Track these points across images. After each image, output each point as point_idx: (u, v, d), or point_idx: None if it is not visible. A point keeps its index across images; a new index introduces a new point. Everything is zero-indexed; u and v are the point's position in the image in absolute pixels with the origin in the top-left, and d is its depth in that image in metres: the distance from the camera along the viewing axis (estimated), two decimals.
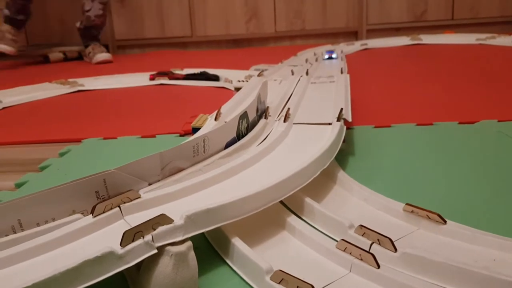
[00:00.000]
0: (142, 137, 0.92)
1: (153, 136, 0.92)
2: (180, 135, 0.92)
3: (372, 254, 0.40)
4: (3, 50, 2.01)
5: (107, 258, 0.36)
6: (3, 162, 0.84)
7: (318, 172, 0.56)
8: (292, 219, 0.49)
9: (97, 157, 0.82)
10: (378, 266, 0.40)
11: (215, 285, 0.42)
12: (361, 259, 0.41)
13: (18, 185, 0.71)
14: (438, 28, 2.56)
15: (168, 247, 0.38)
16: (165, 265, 0.38)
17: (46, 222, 0.46)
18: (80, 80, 1.59)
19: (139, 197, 0.46)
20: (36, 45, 2.73)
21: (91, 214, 0.44)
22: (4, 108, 1.30)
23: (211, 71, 1.64)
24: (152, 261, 0.38)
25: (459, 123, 0.87)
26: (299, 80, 1.02)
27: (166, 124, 1.00)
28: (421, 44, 2.15)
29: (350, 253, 0.42)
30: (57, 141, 0.93)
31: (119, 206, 0.45)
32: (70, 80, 1.58)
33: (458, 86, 1.22)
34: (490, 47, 1.94)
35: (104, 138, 0.92)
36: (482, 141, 0.77)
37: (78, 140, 0.92)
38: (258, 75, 1.13)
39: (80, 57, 2.52)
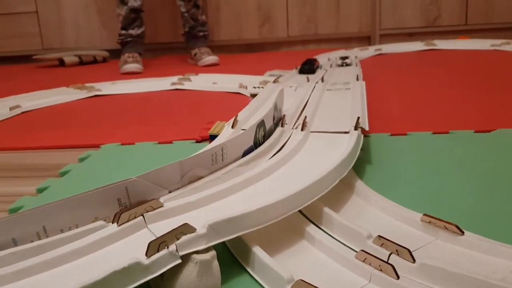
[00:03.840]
0: (160, 143, 0.93)
1: (170, 142, 0.93)
2: (197, 142, 0.93)
3: (392, 265, 0.41)
4: (135, 69, 2.07)
5: (133, 268, 0.37)
6: (24, 167, 0.86)
7: (337, 181, 0.56)
8: (311, 229, 0.50)
9: (116, 163, 0.83)
10: (398, 277, 0.40)
11: None
12: (381, 270, 0.41)
13: (40, 190, 0.72)
14: (452, 33, 2.55)
15: (193, 255, 0.39)
16: (189, 272, 0.39)
17: (70, 228, 0.47)
18: (97, 85, 1.61)
19: (161, 206, 0.47)
20: (51, 49, 2.76)
21: (115, 223, 0.45)
22: (23, 112, 1.33)
23: (226, 76, 1.65)
24: (177, 267, 0.39)
25: (475, 131, 0.88)
26: (314, 87, 1.03)
27: (183, 130, 1.02)
28: (435, 49, 2.15)
29: (370, 264, 0.42)
30: (76, 146, 0.95)
31: (142, 215, 0.46)
32: (87, 84, 1.60)
33: (474, 93, 1.22)
34: (506, 53, 1.93)
35: (122, 144, 0.94)
36: (499, 151, 0.77)
37: (97, 146, 0.93)
38: (274, 82, 1.14)
39: (95, 61, 2.55)
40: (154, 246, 0.38)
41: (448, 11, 2.57)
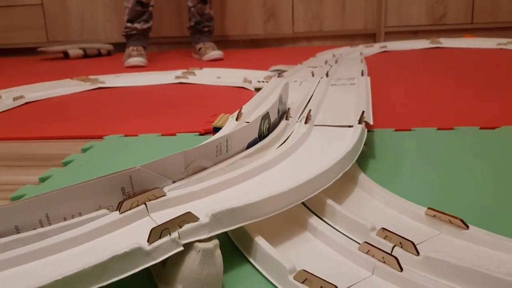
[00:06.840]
0: (163, 135, 0.93)
1: (174, 134, 0.93)
2: (200, 134, 0.93)
3: (395, 257, 0.41)
4: (139, 63, 2.07)
5: (135, 254, 0.37)
6: (27, 156, 0.86)
7: (340, 174, 0.56)
8: (313, 220, 0.50)
9: (119, 154, 0.83)
10: (401, 269, 0.40)
11: (238, 283, 0.43)
12: (384, 262, 0.41)
13: (42, 180, 0.72)
14: (457, 32, 2.53)
15: (196, 243, 0.39)
16: (192, 260, 0.38)
17: (73, 216, 0.47)
18: (100, 77, 1.61)
19: (164, 195, 0.47)
20: (56, 41, 2.76)
21: (117, 210, 0.44)
22: (26, 103, 1.33)
23: (231, 71, 1.65)
24: (180, 255, 0.39)
25: (480, 128, 0.87)
26: (319, 81, 1.03)
27: (186, 123, 1.01)
28: (441, 47, 2.14)
29: (373, 256, 0.42)
30: (79, 137, 0.95)
31: (145, 204, 0.45)
32: (91, 77, 1.60)
33: (479, 90, 1.21)
34: (511, 52, 1.92)
35: (125, 135, 0.94)
36: (504, 147, 0.77)
37: (100, 137, 0.93)
38: (278, 76, 1.14)
39: (99, 54, 2.55)
40: (156, 233, 0.38)
41: (454, 10, 2.55)
